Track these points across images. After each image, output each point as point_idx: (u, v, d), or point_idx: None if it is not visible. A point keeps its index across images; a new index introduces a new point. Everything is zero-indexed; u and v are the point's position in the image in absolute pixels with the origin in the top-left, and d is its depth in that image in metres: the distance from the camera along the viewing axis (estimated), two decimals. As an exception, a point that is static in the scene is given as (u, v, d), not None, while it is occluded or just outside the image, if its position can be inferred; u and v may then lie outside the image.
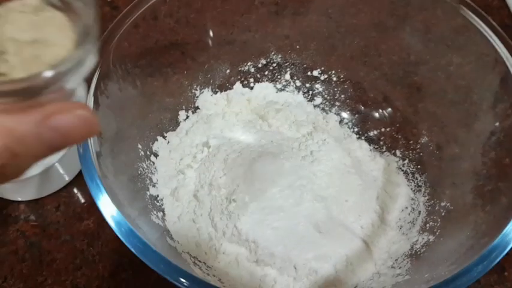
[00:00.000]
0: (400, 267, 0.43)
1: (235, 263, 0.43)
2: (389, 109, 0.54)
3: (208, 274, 0.41)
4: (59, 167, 0.52)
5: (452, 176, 0.49)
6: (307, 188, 0.46)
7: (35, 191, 0.53)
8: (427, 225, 0.46)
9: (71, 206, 0.53)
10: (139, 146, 0.46)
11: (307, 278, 0.43)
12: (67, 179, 0.54)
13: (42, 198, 0.53)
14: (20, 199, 0.53)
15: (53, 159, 0.50)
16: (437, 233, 0.44)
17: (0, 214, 0.52)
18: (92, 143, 0.35)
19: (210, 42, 0.54)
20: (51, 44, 0.20)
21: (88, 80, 0.38)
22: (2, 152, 0.15)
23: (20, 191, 0.52)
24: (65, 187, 0.54)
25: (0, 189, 0.51)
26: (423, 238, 0.45)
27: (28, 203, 0.53)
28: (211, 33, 0.54)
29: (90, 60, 0.20)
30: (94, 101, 0.38)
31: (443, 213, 0.45)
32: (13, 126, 0.16)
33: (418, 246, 0.44)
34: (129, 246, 0.31)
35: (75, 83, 0.19)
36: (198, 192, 0.46)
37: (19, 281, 0.48)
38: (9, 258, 0.49)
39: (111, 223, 0.32)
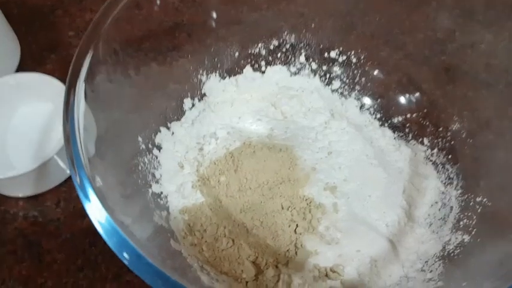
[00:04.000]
0: (431, 271, 0.39)
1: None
2: (417, 93, 0.49)
3: (217, 280, 0.37)
4: (58, 160, 0.48)
5: (486, 167, 0.44)
6: (325, 182, 0.42)
7: (33, 186, 0.49)
8: (461, 222, 0.41)
9: (71, 202, 0.49)
10: (140, 139, 0.42)
11: (325, 283, 0.39)
12: (68, 172, 0.51)
13: (41, 193, 0.50)
14: (18, 195, 0.50)
15: (51, 151, 0.47)
16: (473, 233, 0.39)
17: (-3, 212, 0.49)
18: (81, 141, 0.31)
19: (217, 22, 0.49)
20: None
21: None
22: None
23: (18, 186, 0.49)
24: (65, 181, 0.51)
25: (-3, 185, 0.48)
26: (456, 238, 0.40)
27: (27, 199, 0.50)
28: (218, 13, 0.49)
29: None
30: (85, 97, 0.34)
31: (479, 210, 0.40)
32: None
33: (451, 247, 0.40)
34: (121, 258, 0.27)
35: None
36: (205, 188, 0.42)
37: (18, 283, 0.45)
38: (7, 258, 0.46)
39: (101, 231, 0.28)
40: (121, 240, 0.27)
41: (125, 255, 0.26)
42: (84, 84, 0.34)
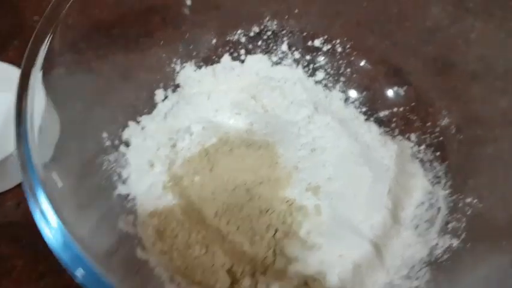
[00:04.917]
0: (417, 278, 0.36)
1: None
2: (405, 86, 0.46)
3: (189, 291, 0.34)
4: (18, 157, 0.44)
5: (476, 165, 0.42)
6: (308, 182, 0.39)
7: (-9, 184, 0.46)
8: (449, 225, 0.39)
9: (33, 203, 0.46)
10: (105, 135, 0.38)
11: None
12: (30, 169, 0.47)
13: (1, 193, 0.46)
14: (-26, 194, 0.46)
15: (9, 147, 0.43)
16: (462, 237, 0.37)
17: (-50, 213, 0.45)
18: (35, 141, 0.28)
19: (193, 6, 0.46)
20: None
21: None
22: None
23: (-26, 185, 0.45)
24: (26, 179, 0.47)
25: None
26: (444, 242, 0.38)
27: (-16, 199, 0.46)
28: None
29: None
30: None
31: (468, 212, 0.38)
32: None
33: (438, 251, 0.37)
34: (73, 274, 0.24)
35: None
36: (178, 189, 0.39)
37: (-28, 292, 0.42)
38: (-39, 264, 0.43)
39: (52, 245, 0.25)
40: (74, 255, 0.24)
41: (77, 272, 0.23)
42: (40, 74, 0.31)
